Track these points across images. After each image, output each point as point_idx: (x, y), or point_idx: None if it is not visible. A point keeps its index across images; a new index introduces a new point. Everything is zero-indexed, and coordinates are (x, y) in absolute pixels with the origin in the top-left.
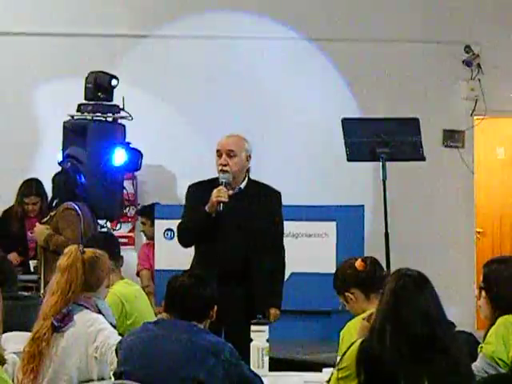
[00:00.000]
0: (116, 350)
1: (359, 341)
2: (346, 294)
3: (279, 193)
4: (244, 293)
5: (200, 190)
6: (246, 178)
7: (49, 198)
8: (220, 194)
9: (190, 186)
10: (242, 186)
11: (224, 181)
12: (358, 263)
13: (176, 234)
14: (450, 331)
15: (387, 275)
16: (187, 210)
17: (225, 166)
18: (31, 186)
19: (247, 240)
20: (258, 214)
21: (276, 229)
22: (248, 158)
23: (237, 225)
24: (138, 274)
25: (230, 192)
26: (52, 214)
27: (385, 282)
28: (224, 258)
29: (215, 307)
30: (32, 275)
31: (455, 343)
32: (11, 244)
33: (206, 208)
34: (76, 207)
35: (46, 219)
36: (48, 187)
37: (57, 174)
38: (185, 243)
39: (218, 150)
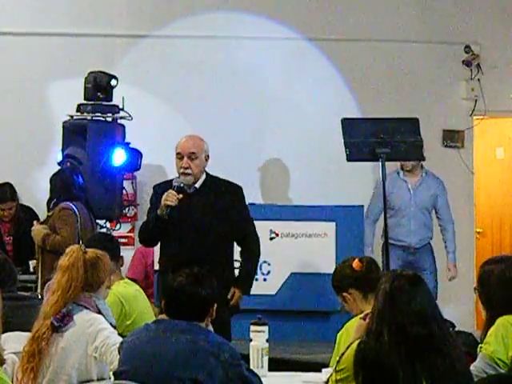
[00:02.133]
0: (118, 350)
1: (356, 342)
2: (344, 294)
3: (239, 187)
4: None
5: (164, 191)
6: (203, 177)
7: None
8: (168, 198)
9: (154, 186)
10: (197, 185)
11: (176, 185)
12: (355, 263)
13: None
14: (446, 331)
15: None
16: (148, 210)
17: (186, 168)
18: (6, 192)
19: (200, 238)
20: (212, 211)
21: (241, 221)
22: (207, 157)
23: (190, 224)
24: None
25: (181, 196)
26: (49, 214)
27: (379, 282)
28: (179, 257)
29: (215, 304)
30: (32, 275)
31: (452, 342)
32: None
33: (158, 211)
34: (73, 207)
35: (43, 219)
36: (47, 188)
37: (54, 175)
38: (143, 243)
39: (178, 153)
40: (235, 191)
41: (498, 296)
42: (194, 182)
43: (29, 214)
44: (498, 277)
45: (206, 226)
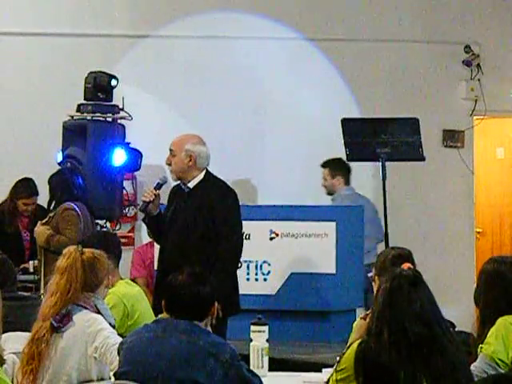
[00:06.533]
0: (118, 351)
1: (357, 342)
2: (372, 276)
3: (231, 190)
4: None
5: (173, 191)
6: (199, 177)
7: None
8: (144, 194)
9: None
10: (191, 185)
11: (158, 181)
12: (405, 266)
13: None
14: (447, 330)
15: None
16: None
17: (169, 165)
18: (29, 186)
19: (183, 239)
20: (197, 212)
21: (218, 224)
22: (190, 157)
23: (178, 224)
24: (133, 280)
25: (158, 192)
26: (51, 214)
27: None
28: (165, 256)
29: (216, 304)
30: (31, 275)
31: (453, 342)
32: (8, 244)
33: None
34: (75, 207)
35: (45, 220)
36: (47, 188)
37: (53, 175)
38: (153, 240)
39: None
40: (224, 194)
41: (487, 296)
42: (189, 182)
43: (42, 211)
44: (486, 276)
45: (189, 227)
